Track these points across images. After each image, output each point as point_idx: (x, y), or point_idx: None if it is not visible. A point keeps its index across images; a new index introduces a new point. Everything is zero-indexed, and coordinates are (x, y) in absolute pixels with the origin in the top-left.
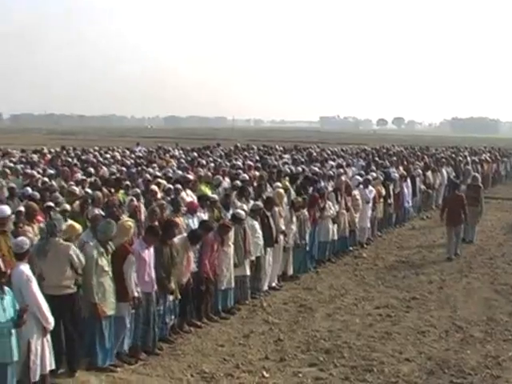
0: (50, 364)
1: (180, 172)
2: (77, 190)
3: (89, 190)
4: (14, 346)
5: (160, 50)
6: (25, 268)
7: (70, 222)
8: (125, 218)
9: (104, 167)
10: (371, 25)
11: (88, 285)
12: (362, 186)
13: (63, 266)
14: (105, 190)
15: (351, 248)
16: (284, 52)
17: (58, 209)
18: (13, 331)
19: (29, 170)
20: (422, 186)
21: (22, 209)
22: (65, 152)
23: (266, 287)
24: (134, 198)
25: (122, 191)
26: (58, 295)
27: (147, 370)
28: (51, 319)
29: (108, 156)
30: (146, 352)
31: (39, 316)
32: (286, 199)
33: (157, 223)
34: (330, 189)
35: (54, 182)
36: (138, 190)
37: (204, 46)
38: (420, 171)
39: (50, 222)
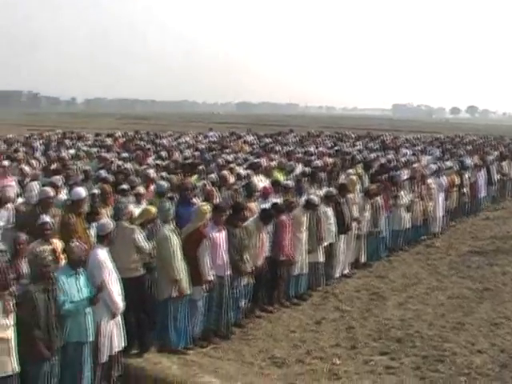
0: (119, 345)
1: (252, 157)
2: (151, 173)
3: (163, 174)
4: (89, 325)
5: (232, 38)
6: (101, 252)
7: (145, 205)
8: (198, 201)
9: (177, 152)
10: (445, 12)
11: (167, 264)
12: (436, 175)
13: (129, 249)
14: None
15: (424, 237)
16: (357, 38)
17: (133, 192)
18: (88, 311)
19: (103, 153)
20: (498, 176)
21: (96, 191)
22: (138, 136)
23: (338, 274)
24: (209, 183)
25: (195, 176)
26: (127, 278)
27: (219, 353)
28: (120, 305)
29: (181, 141)
30: (218, 336)
31: (108, 301)
32: (359, 186)
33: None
34: (405, 177)
35: (128, 165)
36: (214, 176)
37: (276, 33)
38: (494, 160)
39: (117, 206)
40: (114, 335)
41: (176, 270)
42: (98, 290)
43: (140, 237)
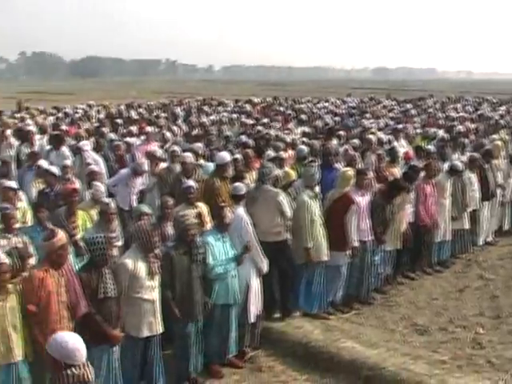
0: (262, 305)
1: (392, 123)
2: (288, 138)
3: (305, 139)
4: (236, 288)
5: (369, 2)
6: (242, 212)
7: (286, 168)
8: (340, 166)
9: (317, 117)
10: None
11: (301, 230)
12: None
13: (273, 213)
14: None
15: None
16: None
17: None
18: (235, 274)
19: (244, 119)
20: None
21: (239, 156)
22: (277, 102)
23: (481, 242)
24: (351, 148)
25: (335, 141)
26: (269, 241)
27: (360, 319)
28: (266, 260)
29: (320, 106)
30: (359, 302)
31: (256, 257)
32: (504, 152)
33: (373, 173)
34: None
35: (268, 131)
36: (357, 141)
37: None
38: None
39: (262, 170)
40: (259, 295)
41: (308, 238)
42: (245, 250)
43: (284, 201)
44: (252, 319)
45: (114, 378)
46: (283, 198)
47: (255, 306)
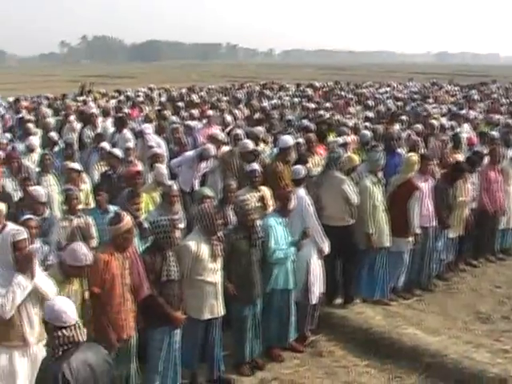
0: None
1: (455, 108)
2: (350, 123)
3: (367, 124)
4: (295, 272)
5: None
6: (303, 193)
7: (349, 153)
8: (403, 152)
9: (379, 102)
10: None
11: (363, 215)
12: None
13: (338, 199)
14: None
15: None
16: None
17: (340, 141)
18: (295, 258)
19: (305, 103)
20: None
21: (301, 140)
22: (338, 86)
23: None
24: (413, 133)
25: (398, 126)
26: (333, 226)
27: (422, 305)
28: (328, 242)
29: (381, 91)
30: (421, 288)
31: (317, 238)
32: None
33: (436, 161)
34: None
35: (328, 115)
36: (419, 126)
37: None
38: None
39: (331, 154)
40: (320, 276)
41: (370, 224)
42: (303, 236)
43: (349, 188)
44: (313, 300)
45: (173, 360)
46: (348, 186)
47: (316, 287)
